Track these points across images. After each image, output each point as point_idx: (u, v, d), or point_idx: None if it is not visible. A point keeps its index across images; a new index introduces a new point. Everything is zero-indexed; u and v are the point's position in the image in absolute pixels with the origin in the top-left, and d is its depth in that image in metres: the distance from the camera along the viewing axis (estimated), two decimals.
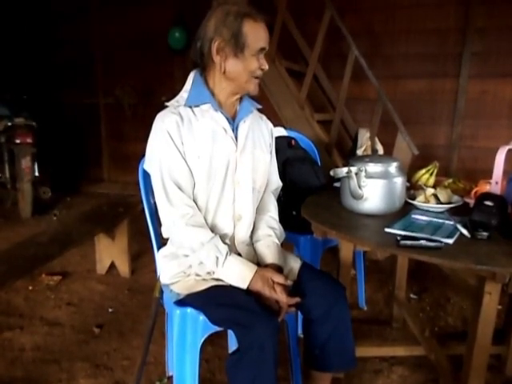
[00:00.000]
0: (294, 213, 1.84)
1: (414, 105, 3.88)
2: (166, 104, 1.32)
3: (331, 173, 1.42)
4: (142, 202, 1.53)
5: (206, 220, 1.29)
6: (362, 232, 1.32)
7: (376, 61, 3.73)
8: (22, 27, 4.97)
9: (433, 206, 1.47)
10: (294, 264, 1.40)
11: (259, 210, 1.43)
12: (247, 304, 1.14)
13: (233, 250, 1.30)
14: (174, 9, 4.39)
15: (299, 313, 1.37)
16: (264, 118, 1.48)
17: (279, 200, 1.52)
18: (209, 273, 1.25)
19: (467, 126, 3.77)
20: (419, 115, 3.88)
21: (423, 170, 1.79)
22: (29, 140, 3.75)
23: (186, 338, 1.27)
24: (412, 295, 2.50)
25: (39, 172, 3.95)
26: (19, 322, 2.15)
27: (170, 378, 1.71)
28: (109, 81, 4.93)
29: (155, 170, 1.26)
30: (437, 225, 1.32)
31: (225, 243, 1.26)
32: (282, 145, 2.04)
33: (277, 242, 1.38)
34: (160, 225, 1.32)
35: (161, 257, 1.40)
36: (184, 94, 1.31)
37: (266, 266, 1.30)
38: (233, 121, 1.33)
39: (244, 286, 1.21)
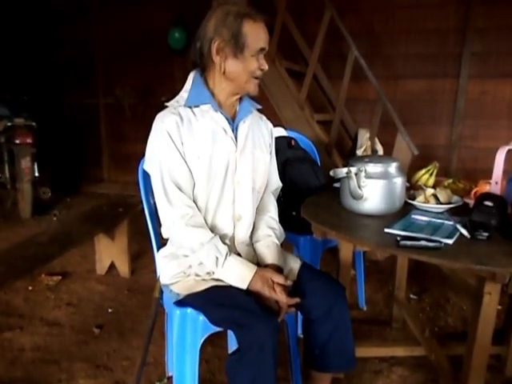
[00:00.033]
0: (294, 213, 1.83)
1: (414, 105, 3.88)
2: (166, 104, 1.32)
3: (331, 173, 1.42)
4: (141, 202, 1.53)
5: (205, 220, 1.29)
6: (361, 232, 1.32)
7: (376, 61, 3.73)
8: (22, 27, 4.96)
9: (432, 206, 1.47)
10: (294, 264, 1.40)
11: (259, 211, 1.43)
12: (247, 304, 1.14)
13: (233, 250, 1.30)
14: (174, 9, 4.39)
15: (299, 313, 1.37)
16: (264, 118, 1.48)
17: (279, 200, 1.52)
18: (208, 273, 1.25)
19: (467, 127, 3.78)
20: (419, 115, 3.88)
21: (423, 171, 1.79)
22: (29, 140, 3.75)
23: (185, 338, 1.27)
24: (412, 295, 2.50)
25: (39, 172, 3.94)
26: (19, 322, 2.15)
27: (170, 379, 1.71)
28: (109, 81, 4.93)
29: (155, 170, 1.26)
30: (436, 225, 1.32)
31: (225, 243, 1.26)
32: (281, 145, 2.04)
33: (277, 242, 1.38)
34: (160, 225, 1.32)
35: (161, 257, 1.40)
36: (184, 94, 1.31)
37: (266, 266, 1.30)
38: (232, 121, 1.33)
39: (244, 286, 1.21)
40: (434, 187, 1.59)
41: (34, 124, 3.87)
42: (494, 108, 3.67)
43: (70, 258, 2.86)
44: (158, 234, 1.42)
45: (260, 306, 1.15)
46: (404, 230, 1.25)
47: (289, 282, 1.27)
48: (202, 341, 1.27)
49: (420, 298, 2.49)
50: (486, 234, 1.19)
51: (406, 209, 1.47)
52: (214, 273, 1.23)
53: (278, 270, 1.29)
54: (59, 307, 2.31)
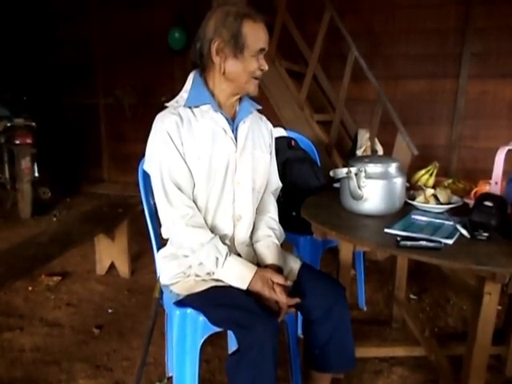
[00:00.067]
0: (294, 213, 1.83)
1: (414, 105, 3.88)
2: (166, 104, 1.32)
3: (331, 173, 1.43)
4: (141, 202, 1.53)
5: (205, 220, 1.29)
6: (361, 232, 1.32)
7: (376, 61, 3.73)
8: (22, 27, 4.97)
9: (432, 206, 1.47)
10: (294, 264, 1.40)
11: (259, 211, 1.43)
12: (247, 304, 1.14)
13: (233, 250, 1.30)
14: (174, 9, 4.39)
15: (299, 313, 1.37)
16: (264, 118, 1.48)
17: (279, 200, 1.52)
18: (208, 273, 1.25)
19: (467, 127, 3.77)
20: (419, 115, 3.88)
21: (423, 171, 1.79)
22: (28, 140, 3.75)
23: (185, 338, 1.27)
24: (412, 296, 2.50)
25: (39, 172, 3.94)
26: (19, 322, 2.15)
27: (170, 379, 1.71)
28: (109, 81, 4.93)
29: (155, 170, 1.26)
30: (436, 225, 1.32)
31: (225, 244, 1.26)
32: (281, 145, 2.04)
33: (276, 242, 1.38)
34: (160, 225, 1.32)
35: (160, 257, 1.40)
36: (184, 94, 1.31)
37: (266, 266, 1.30)
38: (232, 121, 1.33)
39: (244, 286, 1.21)
40: (433, 187, 1.59)
41: (33, 124, 3.86)
42: (494, 108, 3.67)
43: (70, 258, 2.85)
44: (158, 235, 1.42)
45: (260, 307, 1.15)
46: (404, 230, 1.25)
47: (289, 283, 1.27)
48: (202, 341, 1.27)
49: (420, 298, 2.49)
50: (485, 234, 1.19)
51: (406, 209, 1.47)
52: (213, 273, 1.23)
53: (278, 270, 1.29)
54: (59, 307, 2.31)
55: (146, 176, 1.40)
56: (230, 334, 1.69)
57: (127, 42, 4.74)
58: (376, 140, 2.83)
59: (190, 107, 1.29)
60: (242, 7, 1.25)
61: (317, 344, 1.29)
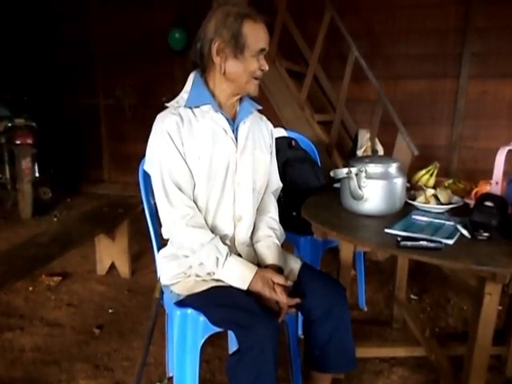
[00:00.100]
0: (294, 213, 1.83)
1: (414, 105, 3.88)
2: (166, 105, 1.32)
3: (331, 173, 1.43)
4: (142, 202, 1.53)
5: (206, 221, 1.29)
6: (362, 233, 1.32)
7: (376, 61, 3.73)
8: (22, 27, 4.97)
9: (433, 206, 1.47)
10: (294, 265, 1.40)
11: (259, 211, 1.43)
12: (247, 305, 1.14)
13: (233, 250, 1.30)
14: (174, 9, 4.39)
15: (299, 313, 1.37)
16: (264, 118, 1.48)
17: (279, 201, 1.52)
18: (209, 273, 1.25)
19: (467, 127, 3.77)
20: (419, 116, 3.88)
21: (423, 171, 1.79)
22: (29, 141, 3.75)
23: (186, 338, 1.27)
24: (412, 296, 2.50)
25: (39, 173, 3.95)
26: (19, 322, 2.15)
27: (171, 379, 1.71)
28: (109, 81, 4.93)
29: (155, 170, 1.26)
30: (437, 225, 1.32)
31: (225, 244, 1.26)
32: (282, 145, 2.04)
33: (277, 242, 1.38)
34: (160, 225, 1.32)
35: (161, 257, 1.40)
36: (184, 94, 1.31)
37: (267, 266, 1.30)
38: (233, 122, 1.33)
39: (244, 286, 1.21)
40: (434, 187, 1.59)
41: (34, 124, 3.87)
42: (495, 108, 3.67)
43: (70, 258, 2.85)
44: (159, 235, 1.42)
45: (260, 307, 1.15)
46: (404, 230, 1.25)
47: (289, 283, 1.27)
48: (202, 341, 1.27)
49: (420, 298, 2.49)
50: (486, 235, 1.19)
51: (407, 209, 1.47)
52: (214, 273, 1.23)
53: (279, 270, 1.29)
54: (59, 308, 2.31)
55: (147, 176, 1.41)
56: (231, 334, 1.69)
57: (127, 42, 4.75)
58: (376, 140, 2.83)
59: (190, 107, 1.29)
60: (242, 7, 1.25)
61: (317, 344, 1.29)
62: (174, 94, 1.34)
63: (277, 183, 1.51)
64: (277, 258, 1.33)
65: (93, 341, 2.01)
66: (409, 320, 2.01)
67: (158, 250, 1.45)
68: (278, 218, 1.46)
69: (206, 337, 1.27)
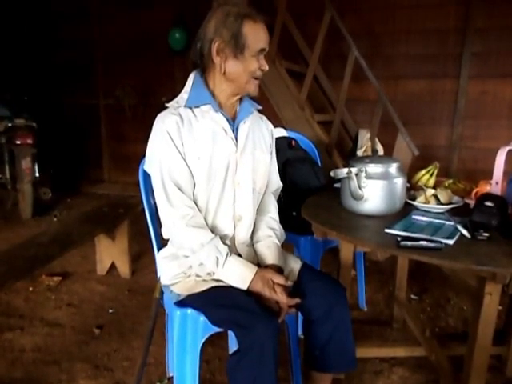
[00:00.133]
0: (295, 213, 1.83)
1: (414, 105, 3.88)
2: (166, 105, 1.32)
3: (331, 173, 1.43)
4: (142, 202, 1.53)
5: (206, 221, 1.29)
6: (362, 233, 1.32)
7: (376, 61, 3.73)
8: (22, 27, 4.97)
9: (433, 206, 1.47)
10: (295, 265, 1.40)
11: (259, 211, 1.43)
12: (247, 305, 1.14)
13: (233, 250, 1.30)
14: (174, 9, 4.39)
15: (299, 313, 1.37)
16: (264, 118, 1.48)
17: (279, 201, 1.52)
18: (209, 274, 1.25)
19: (467, 127, 3.77)
20: (419, 116, 3.88)
21: (423, 171, 1.79)
22: (29, 141, 3.75)
23: (186, 338, 1.27)
24: (412, 296, 2.50)
25: (39, 173, 3.95)
26: (19, 322, 2.15)
27: (171, 379, 1.71)
28: (109, 81, 4.93)
29: (155, 170, 1.26)
30: (437, 225, 1.32)
31: (225, 244, 1.26)
32: (282, 145, 2.04)
33: (277, 242, 1.38)
34: (160, 226, 1.32)
35: (161, 258, 1.40)
36: (184, 94, 1.31)
37: (267, 266, 1.30)
38: (233, 122, 1.33)
39: (244, 286, 1.21)
40: (434, 188, 1.59)
41: (34, 124, 3.87)
42: (495, 108, 3.67)
43: (70, 258, 2.85)
44: (159, 235, 1.42)
45: (260, 307, 1.15)
46: (404, 230, 1.25)
47: (289, 283, 1.27)
48: (202, 341, 1.27)
49: (420, 298, 2.49)
50: (486, 235, 1.19)
51: (407, 209, 1.47)
52: (214, 273, 1.23)
53: (279, 270, 1.29)
54: (60, 308, 2.31)
55: (147, 176, 1.41)
56: (231, 334, 1.69)
57: (127, 42, 4.75)
58: (376, 140, 2.83)
59: (190, 107, 1.29)
60: (242, 7, 1.25)
61: (317, 344, 1.29)
62: (174, 94, 1.34)
63: (277, 183, 1.51)
64: (277, 258, 1.33)
65: (93, 341, 2.01)
66: (409, 320, 2.01)
67: (158, 250, 1.45)
68: (278, 218, 1.46)
69: (206, 337, 1.27)
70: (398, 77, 3.90)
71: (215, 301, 1.20)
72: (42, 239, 2.13)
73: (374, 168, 1.39)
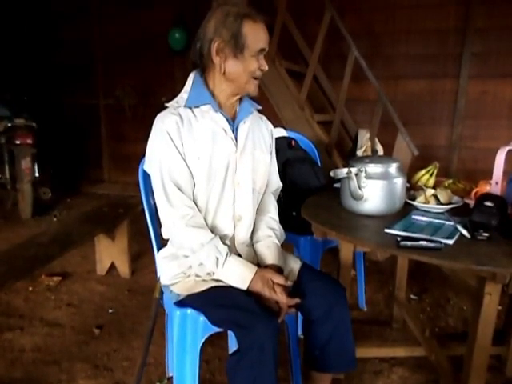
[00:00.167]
0: (294, 213, 1.83)
1: (414, 105, 3.88)
2: (166, 105, 1.32)
3: (331, 173, 1.43)
4: (142, 202, 1.53)
5: (206, 221, 1.29)
6: (362, 233, 1.32)
7: (376, 61, 3.73)
8: (22, 27, 4.97)
9: (433, 206, 1.47)
10: (294, 265, 1.40)
11: (259, 211, 1.43)
12: (247, 305, 1.14)
13: (233, 250, 1.30)
14: (174, 9, 4.39)
15: (299, 313, 1.37)
16: (264, 118, 1.48)
17: (279, 201, 1.52)
18: (209, 274, 1.25)
19: (467, 127, 3.77)
20: (419, 116, 3.88)
21: (423, 171, 1.79)
22: (29, 141, 3.75)
23: (186, 338, 1.27)
24: (412, 296, 2.50)
25: (39, 173, 3.94)
26: (19, 322, 2.15)
27: (170, 379, 1.71)
28: (109, 81, 4.93)
29: (155, 170, 1.26)
30: (437, 225, 1.32)
31: (225, 244, 1.26)
32: (282, 145, 2.04)
33: (277, 242, 1.38)
34: (160, 226, 1.32)
35: (161, 258, 1.40)
36: (184, 94, 1.31)
37: (266, 266, 1.30)
38: (233, 122, 1.33)
39: (244, 286, 1.21)
40: (434, 188, 1.59)
41: (34, 124, 3.87)
42: (495, 108, 3.67)
43: (70, 258, 2.85)
44: (159, 235, 1.42)
45: (260, 307, 1.15)
46: (404, 230, 1.25)
47: (289, 283, 1.27)
48: (202, 341, 1.27)
49: (420, 298, 2.49)
50: (486, 235, 1.19)
51: (407, 209, 1.47)
52: (214, 273, 1.23)
53: (279, 270, 1.29)
54: (59, 308, 2.31)
55: (147, 176, 1.40)
56: (231, 334, 1.69)
57: (127, 42, 4.75)
58: (376, 140, 2.83)
59: (190, 107, 1.29)
60: (242, 7, 1.25)
61: (317, 344, 1.29)
62: (174, 94, 1.34)
63: (277, 183, 1.51)
64: (277, 258, 1.33)
65: (93, 341, 2.01)
66: (409, 320, 2.01)
67: (158, 250, 1.44)
68: (277, 218, 1.45)
69: (205, 337, 1.27)
70: (398, 77, 3.90)
71: (215, 301, 1.20)
72: (42, 239, 2.13)
73: (373, 168, 1.39)
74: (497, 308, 1.18)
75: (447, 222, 1.34)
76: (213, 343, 1.90)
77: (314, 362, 1.33)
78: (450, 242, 1.17)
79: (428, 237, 1.18)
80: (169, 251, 1.36)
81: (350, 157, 2.58)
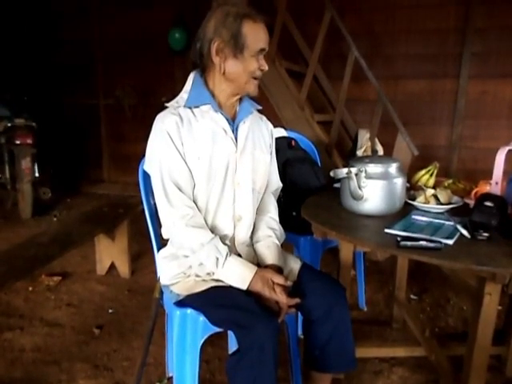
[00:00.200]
0: (294, 213, 1.83)
1: (414, 105, 3.88)
2: (166, 105, 1.32)
3: (331, 173, 1.43)
4: (142, 202, 1.53)
5: (206, 221, 1.29)
6: (362, 233, 1.32)
7: (376, 61, 3.73)
8: (22, 27, 4.97)
9: (433, 206, 1.47)
10: (294, 265, 1.40)
11: (259, 211, 1.43)
12: (247, 305, 1.14)
13: (233, 250, 1.30)
14: (174, 9, 4.39)
15: (299, 313, 1.37)
16: (264, 118, 1.48)
17: (279, 201, 1.52)
18: (209, 274, 1.25)
19: (467, 127, 3.77)
20: (419, 116, 3.88)
21: (423, 171, 1.79)
22: (29, 141, 3.75)
23: (185, 338, 1.27)
24: (412, 296, 2.50)
25: (39, 173, 3.94)
26: (19, 322, 2.15)
27: (170, 379, 1.71)
28: (109, 81, 4.93)
29: (155, 170, 1.26)
30: (437, 225, 1.32)
31: (225, 244, 1.26)
32: (282, 145, 2.04)
33: (277, 242, 1.38)
34: (160, 226, 1.32)
35: (161, 258, 1.40)
36: (184, 94, 1.31)
37: (266, 266, 1.30)
38: (233, 122, 1.33)
39: (244, 286, 1.21)
40: (434, 188, 1.59)
41: (34, 124, 3.87)
42: (495, 108, 3.67)
43: (70, 258, 2.85)
44: (158, 235, 1.42)
45: (260, 307, 1.15)
46: (404, 230, 1.25)
47: (289, 283, 1.27)
48: (202, 341, 1.27)
49: (420, 298, 2.49)
50: (486, 235, 1.19)
51: (407, 209, 1.47)
52: (214, 273, 1.23)
53: (279, 270, 1.29)
54: (59, 308, 2.31)
55: (147, 176, 1.40)
56: (230, 334, 1.69)
57: (127, 42, 4.75)
58: (376, 140, 2.82)
59: (190, 107, 1.29)
60: (242, 7, 1.25)
61: (317, 344, 1.29)
62: (174, 94, 1.34)
63: (277, 183, 1.51)
64: (277, 258, 1.33)
65: (93, 341, 2.01)
66: (409, 320, 2.01)
67: (158, 250, 1.44)
68: (277, 218, 1.45)
69: (205, 337, 1.27)
70: (398, 77, 3.90)
71: (215, 301, 1.20)
72: (42, 239, 2.13)
73: (373, 168, 1.39)
74: (497, 308, 1.18)
75: (447, 222, 1.34)
76: (213, 343, 1.90)
77: (313, 362, 1.33)
78: (450, 242, 1.17)
79: (428, 237, 1.18)
80: (169, 251, 1.36)
81: (350, 157, 2.58)
